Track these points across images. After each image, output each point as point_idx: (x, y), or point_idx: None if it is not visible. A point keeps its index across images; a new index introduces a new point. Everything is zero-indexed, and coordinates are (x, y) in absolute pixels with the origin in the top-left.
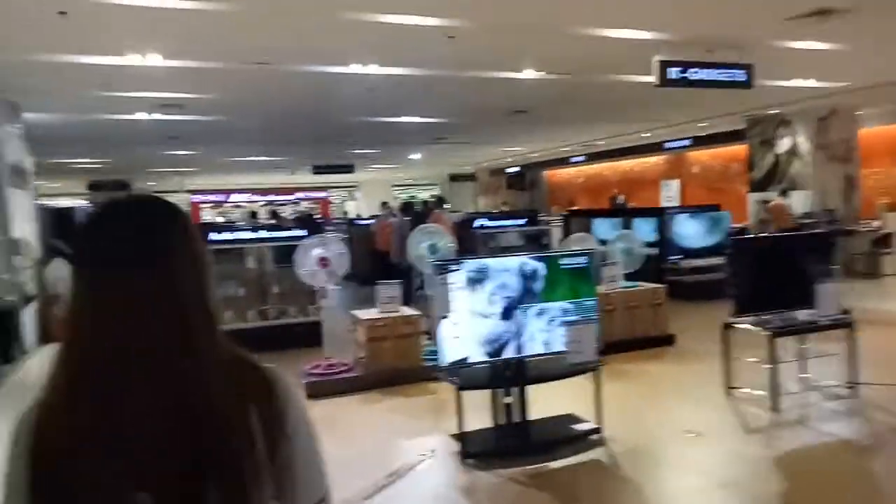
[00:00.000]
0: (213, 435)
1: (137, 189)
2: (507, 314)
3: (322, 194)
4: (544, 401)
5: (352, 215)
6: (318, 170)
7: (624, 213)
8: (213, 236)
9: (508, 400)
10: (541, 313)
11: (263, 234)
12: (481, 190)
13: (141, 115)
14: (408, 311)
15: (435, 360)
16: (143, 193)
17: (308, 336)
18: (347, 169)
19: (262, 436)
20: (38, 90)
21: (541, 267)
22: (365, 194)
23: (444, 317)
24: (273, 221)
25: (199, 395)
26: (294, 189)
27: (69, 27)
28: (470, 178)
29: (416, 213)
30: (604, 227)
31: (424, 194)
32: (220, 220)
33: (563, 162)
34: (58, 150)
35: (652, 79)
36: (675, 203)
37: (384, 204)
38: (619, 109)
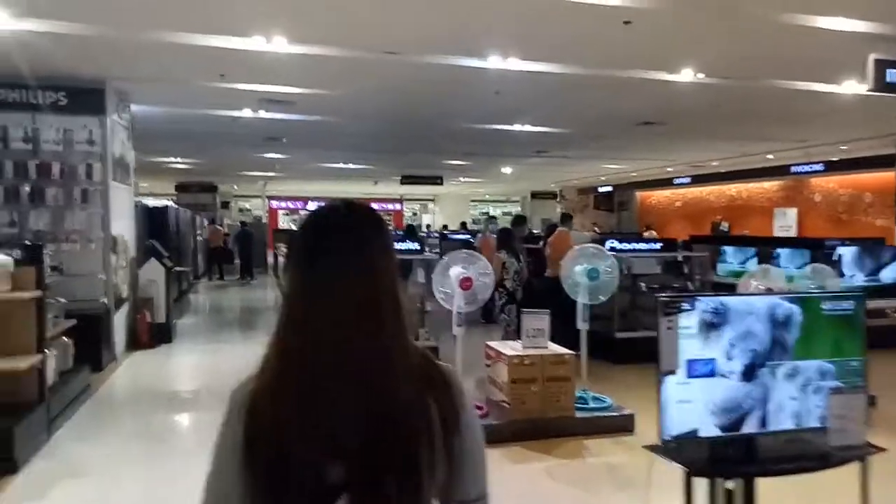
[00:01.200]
0: (395, 423)
1: (222, 192)
2: (749, 374)
3: (396, 206)
4: (768, 484)
5: (432, 228)
6: (406, 180)
7: (761, 243)
8: None
9: (731, 485)
10: (792, 374)
11: None
12: (566, 209)
13: (246, 112)
14: (559, 348)
15: (586, 408)
16: (352, 199)
17: None
18: (436, 180)
19: (440, 429)
20: (150, 78)
21: (796, 311)
22: (441, 208)
23: (670, 373)
24: None
25: (388, 387)
26: (369, 200)
27: (195, 3)
28: (552, 196)
29: (502, 231)
30: (737, 258)
31: (498, 211)
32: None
33: (665, 183)
34: (154, 147)
35: (828, 88)
36: (793, 233)
37: (491, 218)
38: (765, 125)
